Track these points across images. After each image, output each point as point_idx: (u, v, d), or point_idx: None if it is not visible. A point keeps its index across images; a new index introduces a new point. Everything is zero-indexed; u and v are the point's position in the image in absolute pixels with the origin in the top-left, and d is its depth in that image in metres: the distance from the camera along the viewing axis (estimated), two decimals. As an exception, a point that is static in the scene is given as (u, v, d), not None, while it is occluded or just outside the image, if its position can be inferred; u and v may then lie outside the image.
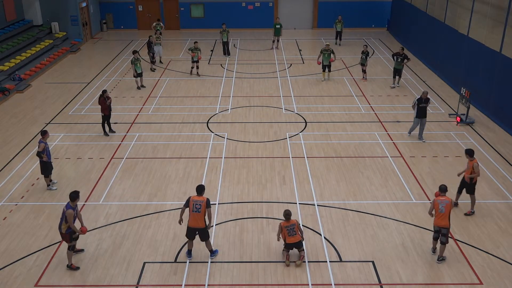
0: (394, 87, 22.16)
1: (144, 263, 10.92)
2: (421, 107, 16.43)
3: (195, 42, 24.03)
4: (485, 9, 19.93)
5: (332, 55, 22.84)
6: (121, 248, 11.42)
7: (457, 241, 11.55)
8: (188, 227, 10.73)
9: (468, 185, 12.56)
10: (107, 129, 17.45)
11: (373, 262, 10.93)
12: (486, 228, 12.13)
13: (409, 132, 17.24)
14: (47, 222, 12.41)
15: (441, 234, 10.77)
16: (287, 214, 10.74)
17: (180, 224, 10.94)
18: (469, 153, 12.56)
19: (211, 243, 11.17)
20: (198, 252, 11.17)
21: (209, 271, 10.66)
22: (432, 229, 11.80)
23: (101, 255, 11.18)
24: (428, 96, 16.61)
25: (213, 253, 11.03)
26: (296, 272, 10.61)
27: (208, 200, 10.59)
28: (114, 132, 17.57)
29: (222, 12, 34.11)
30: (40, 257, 11.11)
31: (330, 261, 10.92)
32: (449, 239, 11.17)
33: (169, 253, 11.24)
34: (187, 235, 10.83)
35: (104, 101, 16.89)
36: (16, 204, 13.22)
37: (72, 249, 10.76)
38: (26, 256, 11.15)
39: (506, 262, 10.92)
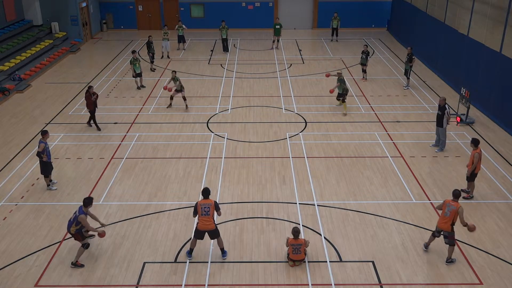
0: (406, 88, 22.10)
1: (144, 263, 10.92)
2: (437, 114, 15.79)
3: (173, 71, 20.08)
4: (485, 9, 19.93)
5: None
6: (121, 248, 11.42)
7: (457, 241, 11.53)
8: (197, 229, 10.74)
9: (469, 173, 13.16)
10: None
11: (373, 262, 10.93)
12: (486, 228, 12.13)
13: (440, 148, 16.09)
14: (47, 222, 12.41)
15: (443, 236, 10.80)
16: (296, 231, 10.56)
17: None
18: (473, 142, 13.05)
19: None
20: (198, 252, 11.17)
21: (209, 271, 10.66)
22: (431, 229, 11.85)
23: (101, 255, 11.18)
24: (446, 104, 15.73)
25: (224, 252, 11.00)
26: (296, 272, 10.61)
27: (215, 202, 10.63)
28: (100, 130, 17.65)
29: (222, 12, 34.08)
30: (40, 257, 11.11)
31: (330, 261, 10.92)
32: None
33: (169, 253, 11.24)
34: (195, 236, 10.85)
35: (90, 97, 17.04)
36: (16, 204, 13.22)
37: (87, 247, 10.81)
38: (26, 256, 11.15)
39: (506, 262, 10.92)
